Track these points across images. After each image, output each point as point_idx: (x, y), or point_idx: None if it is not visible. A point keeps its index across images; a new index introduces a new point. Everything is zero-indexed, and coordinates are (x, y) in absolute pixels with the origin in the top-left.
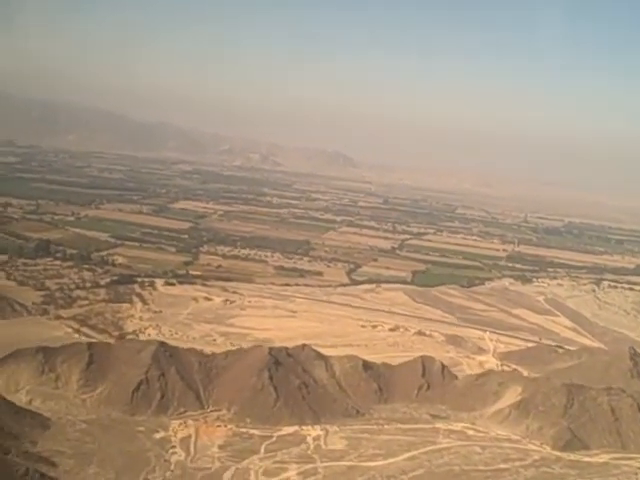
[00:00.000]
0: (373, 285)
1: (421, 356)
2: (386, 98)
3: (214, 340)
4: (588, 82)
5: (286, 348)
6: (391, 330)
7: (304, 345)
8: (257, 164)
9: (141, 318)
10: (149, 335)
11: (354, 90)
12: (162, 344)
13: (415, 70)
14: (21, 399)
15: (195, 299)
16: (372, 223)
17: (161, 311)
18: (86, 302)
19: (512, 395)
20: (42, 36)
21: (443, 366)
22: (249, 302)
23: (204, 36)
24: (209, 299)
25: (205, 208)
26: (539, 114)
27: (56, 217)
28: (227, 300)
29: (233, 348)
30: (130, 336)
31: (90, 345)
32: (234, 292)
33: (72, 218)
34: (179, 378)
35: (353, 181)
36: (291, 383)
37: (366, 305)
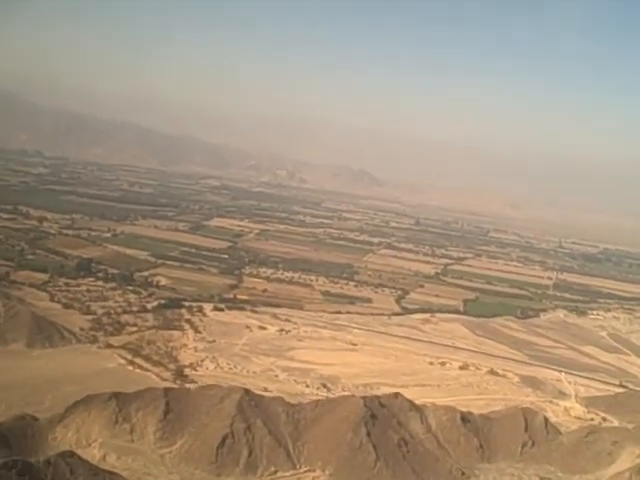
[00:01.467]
0: (427, 315)
1: (522, 408)
2: (411, 118)
3: (276, 376)
4: (616, 105)
5: (378, 397)
6: (461, 368)
7: (397, 394)
8: (284, 181)
9: (196, 348)
10: (207, 369)
11: (380, 108)
12: (246, 392)
13: (443, 90)
14: (94, 455)
15: (249, 327)
16: (409, 246)
17: (215, 340)
18: (135, 328)
19: (629, 457)
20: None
21: (546, 420)
22: (305, 332)
23: (223, 50)
24: (263, 328)
25: (240, 226)
26: (565, 136)
27: (92, 233)
28: (282, 330)
29: (320, 397)
30: (187, 369)
31: (166, 391)
32: (287, 320)
33: (109, 234)
34: (267, 432)
35: (381, 200)
36: (389, 439)
37: (427, 338)
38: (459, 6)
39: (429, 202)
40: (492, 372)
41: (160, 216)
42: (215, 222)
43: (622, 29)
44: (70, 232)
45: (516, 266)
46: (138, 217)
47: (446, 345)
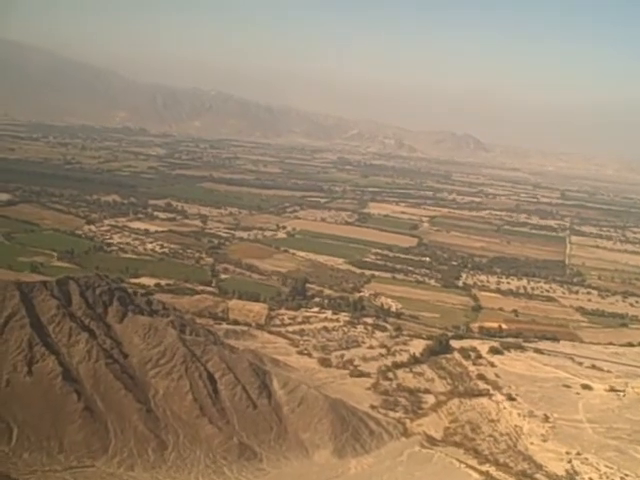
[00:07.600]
0: None
1: None
2: (505, 79)
3: None
4: None
5: None
6: None
7: None
8: (393, 150)
9: (542, 436)
10: None
11: (471, 71)
12: None
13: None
14: None
15: (567, 386)
16: (592, 229)
17: (548, 417)
18: (432, 398)
19: None
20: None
21: None
22: None
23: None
24: (587, 387)
25: (403, 213)
26: None
27: (265, 233)
28: (612, 389)
29: None
30: None
31: None
32: (593, 367)
33: (282, 234)
34: None
35: (499, 169)
36: None
37: None
38: None
39: (545, 168)
40: None
41: (312, 204)
42: (373, 209)
43: None
44: (242, 235)
45: None
46: (294, 207)
47: None
